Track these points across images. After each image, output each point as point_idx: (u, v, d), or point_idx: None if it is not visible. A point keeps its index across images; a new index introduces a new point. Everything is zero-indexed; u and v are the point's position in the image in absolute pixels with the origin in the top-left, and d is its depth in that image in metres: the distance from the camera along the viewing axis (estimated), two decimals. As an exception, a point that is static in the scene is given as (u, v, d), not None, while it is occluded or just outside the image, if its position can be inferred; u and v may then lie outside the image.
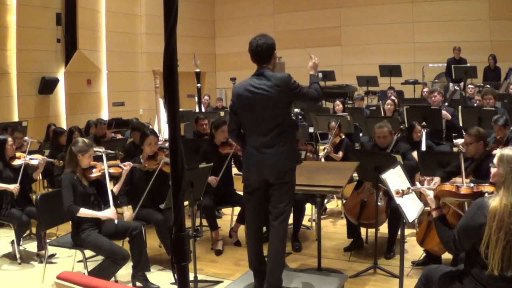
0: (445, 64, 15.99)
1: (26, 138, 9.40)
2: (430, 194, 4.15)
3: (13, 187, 6.81)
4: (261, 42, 4.98)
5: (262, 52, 4.99)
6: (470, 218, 3.66)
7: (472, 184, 4.01)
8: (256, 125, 5.02)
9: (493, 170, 3.80)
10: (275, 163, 4.93)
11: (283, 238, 5.11)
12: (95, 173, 5.80)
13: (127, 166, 6.15)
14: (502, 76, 15.37)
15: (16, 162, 7.05)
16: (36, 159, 7.24)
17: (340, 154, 8.78)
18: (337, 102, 12.14)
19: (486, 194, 3.77)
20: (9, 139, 7.11)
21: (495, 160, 3.77)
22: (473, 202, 3.76)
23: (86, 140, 5.88)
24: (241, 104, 5.08)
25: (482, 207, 3.61)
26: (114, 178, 6.51)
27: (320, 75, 16.01)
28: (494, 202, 3.55)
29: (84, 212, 5.57)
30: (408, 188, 4.31)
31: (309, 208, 8.09)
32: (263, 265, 5.25)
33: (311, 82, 5.25)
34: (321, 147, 10.55)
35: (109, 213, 5.72)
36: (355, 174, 7.04)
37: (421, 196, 4.85)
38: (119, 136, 11.54)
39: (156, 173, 6.57)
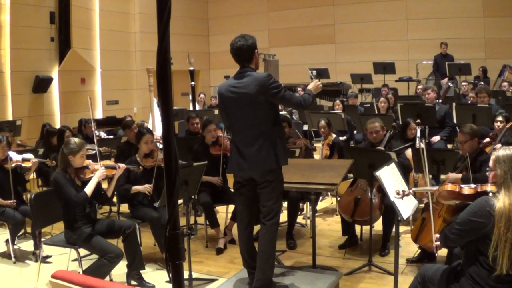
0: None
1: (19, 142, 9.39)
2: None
3: (10, 202, 6.85)
4: (240, 44, 4.98)
5: (242, 54, 5.01)
6: (474, 214, 3.64)
7: (474, 185, 4.01)
8: (237, 124, 5.08)
9: (491, 173, 3.81)
10: (255, 163, 4.96)
11: (273, 236, 5.11)
12: (87, 175, 5.78)
13: (120, 168, 6.10)
14: (491, 87, 15.41)
15: (8, 164, 7.01)
16: (28, 159, 7.21)
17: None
18: (337, 101, 12.11)
19: (490, 194, 3.77)
20: (4, 142, 7.06)
21: (490, 164, 3.78)
22: (477, 199, 3.75)
23: (77, 140, 5.82)
24: (224, 104, 5.15)
25: (488, 205, 3.60)
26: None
27: (315, 72, 16.01)
28: (499, 203, 3.56)
29: (88, 191, 5.63)
30: (409, 189, 4.31)
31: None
32: (256, 261, 5.26)
33: (305, 92, 5.26)
34: (316, 145, 10.55)
35: (100, 172, 5.79)
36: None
37: (415, 193, 4.86)
38: (102, 133, 11.53)
39: (155, 170, 6.68)
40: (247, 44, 4.98)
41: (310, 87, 5.32)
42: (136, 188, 6.57)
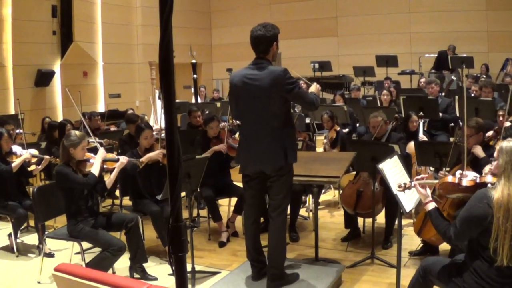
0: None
1: (18, 130, 9.38)
2: (427, 190, 4.14)
3: (28, 154, 7.04)
4: (260, 33, 4.90)
5: (260, 44, 4.93)
6: (473, 208, 3.64)
7: (474, 177, 4.00)
8: (247, 116, 5.04)
9: (494, 163, 3.81)
10: (263, 159, 4.94)
11: (282, 229, 5.12)
12: (89, 167, 5.78)
13: (123, 161, 6.09)
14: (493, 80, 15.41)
15: (16, 160, 7.01)
16: (35, 155, 7.22)
17: (336, 150, 8.78)
18: (338, 96, 12.15)
19: (489, 185, 3.77)
20: (5, 134, 7.07)
21: (495, 154, 3.78)
22: (476, 192, 3.75)
23: (78, 132, 5.82)
24: (236, 93, 5.09)
25: (486, 197, 3.60)
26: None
27: (317, 65, 16.00)
28: (497, 193, 3.55)
29: (96, 172, 5.69)
30: (411, 182, 4.29)
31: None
32: (261, 255, 5.27)
33: (311, 93, 5.22)
34: (318, 138, 10.55)
35: (101, 152, 5.89)
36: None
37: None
38: (113, 128, 11.57)
39: (160, 164, 6.69)
40: (266, 36, 4.89)
41: (312, 89, 5.29)
42: (149, 156, 6.54)
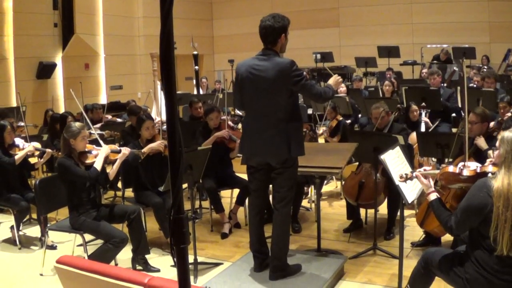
0: (444, 45, 15.92)
1: (20, 123, 9.40)
2: (430, 180, 4.14)
3: (31, 147, 7.06)
4: (268, 24, 4.87)
5: (268, 35, 4.89)
6: (473, 197, 3.65)
7: (475, 166, 4.00)
8: (251, 107, 5.01)
9: (496, 153, 3.81)
10: (268, 150, 4.91)
11: (286, 221, 5.12)
12: (90, 159, 5.78)
13: (125, 152, 6.09)
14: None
15: (18, 153, 7.02)
16: (42, 149, 7.24)
17: (336, 139, 8.78)
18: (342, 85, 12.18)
19: (490, 174, 3.77)
20: (8, 126, 7.08)
21: (497, 144, 3.78)
22: (476, 182, 3.75)
23: (77, 123, 5.84)
24: (241, 84, 5.05)
25: (486, 186, 3.60)
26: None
27: (319, 56, 15.98)
28: (497, 182, 3.55)
29: (98, 166, 5.69)
30: (412, 172, 4.29)
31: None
32: (264, 246, 5.27)
33: (325, 86, 5.17)
34: (320, 129, 10.55)
35: (106, 148, 5.91)
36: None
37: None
38: (119, 120, 11.58)
39: (160, 156, 6.68)
40: (274, 27, 4.85)
41: (330, 81, 5.24)
42: (150, 146, 6.55)
